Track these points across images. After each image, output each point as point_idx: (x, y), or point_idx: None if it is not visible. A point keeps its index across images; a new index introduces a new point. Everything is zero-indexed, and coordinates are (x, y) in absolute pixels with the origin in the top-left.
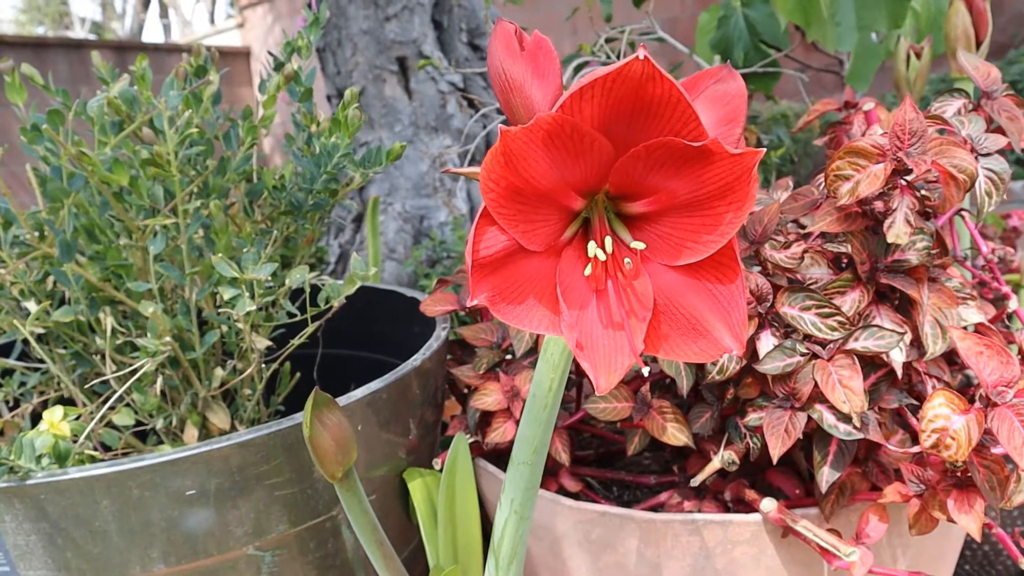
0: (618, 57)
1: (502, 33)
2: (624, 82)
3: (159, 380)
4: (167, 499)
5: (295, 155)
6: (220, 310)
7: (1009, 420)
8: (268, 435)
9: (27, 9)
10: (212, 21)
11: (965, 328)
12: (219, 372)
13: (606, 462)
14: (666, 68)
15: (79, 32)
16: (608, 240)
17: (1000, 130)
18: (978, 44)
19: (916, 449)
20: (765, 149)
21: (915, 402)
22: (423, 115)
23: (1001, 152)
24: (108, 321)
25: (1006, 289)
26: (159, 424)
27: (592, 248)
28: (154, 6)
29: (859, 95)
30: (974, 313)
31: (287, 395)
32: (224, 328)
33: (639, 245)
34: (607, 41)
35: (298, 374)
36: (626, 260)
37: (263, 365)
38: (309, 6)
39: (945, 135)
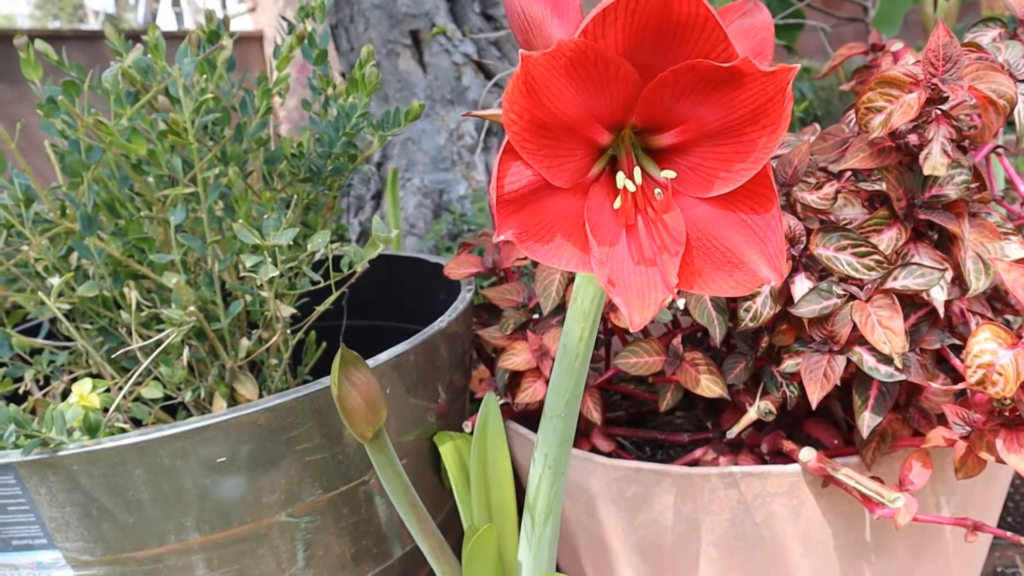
0: None
1: None
2: (648, 2)
3: (186, 352)
4: (199, 467)
5: (312, 120)
6: (244, 279)
7: None
8: (296, 399)
9: (42, 3)
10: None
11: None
12: (245, 342)
13: (638, 422)
14: None
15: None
16: (637, 171)
17: None
18: None
19: (961, 386)
20: (798, 66)
21: (958, 342)
22: (438, 88)
23: None
24: (132, 295)
25: None
26: (187, 397)
27: (621, 179)
28: None
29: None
30: (1017, 248)
31: (314, 366)
32: (248, 298)
33: (669, 174)
34: None
35: (324, 344)
36: (656, 191)
37: (288, 334)
38: None
39: (982, 62)
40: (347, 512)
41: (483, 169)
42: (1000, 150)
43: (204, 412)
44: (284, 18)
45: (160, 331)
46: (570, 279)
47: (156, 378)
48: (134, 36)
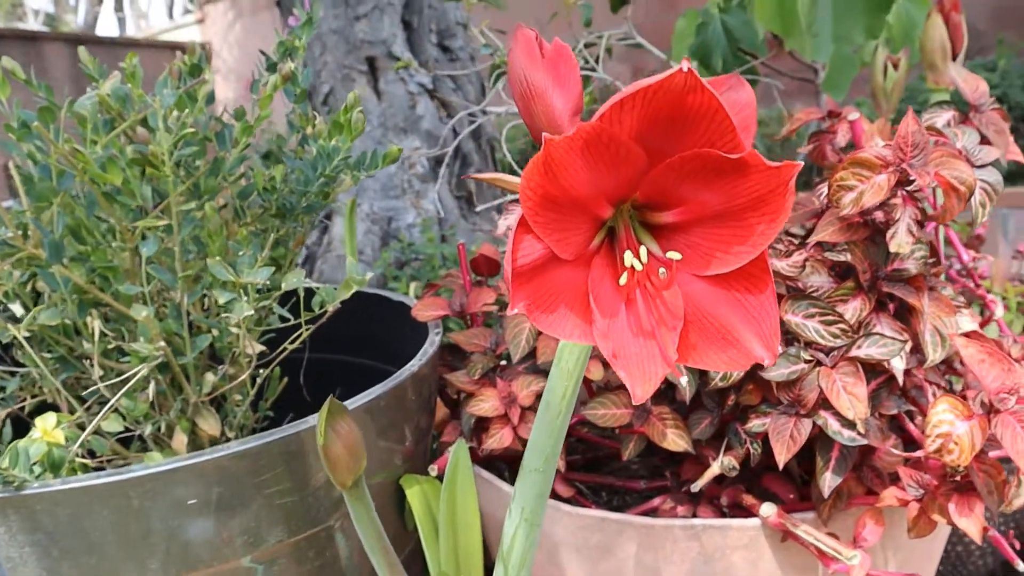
0: (596, 62)
1: (523, 39)
2: (665, 93)
3: (151, 386)
4: (168, 509)
5: (287, 157)
6: (212, 314)
7: (1012, 426)
8: (272, 442)
9: None
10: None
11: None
12: (210, 377)
13: (593, 467)
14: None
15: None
16: (644, 250)
17: (987, 141)
18: (954, 56)
19: (920, 453)
20: (801, 164)
21: (912, 408)
22: (392, 116)
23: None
24: (96, 324)
25: (991, 297)
26: (147, 430)
27: (629, 258)
28: None
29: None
30: (968, 321)
31: (272, 401)
32: (215, 332)
33: (675, 256)
34: (586, 46)
35: (286, 379)
36: (661, 270)
37: (255, 370)
38: (278, 4)
39: (942, 147)
40: (311, 555)
41: (433, 198)
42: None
43: (163, 446)
44: (263, 52)
45: (122, 362)
46: (540, 330)
47: (116, 410)
48: (76, 40)
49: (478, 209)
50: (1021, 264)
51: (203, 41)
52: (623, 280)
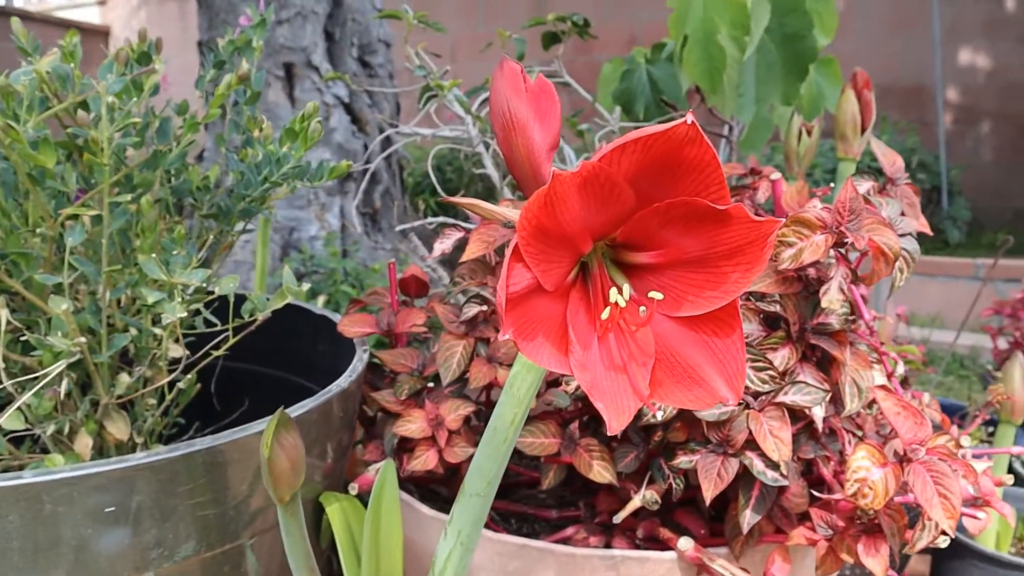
0: None
1: (510, 72)
2: (666, 142)
3: (64, 383)
4: (83, 516)
5: (228, 157)
6: (131, 312)
7: (922, 476)
8: (199, 452)
9: None
10: None
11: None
12: (124, 379)
13: (500, 494)
14: (569, 112)
15: None
16: (627, 286)
17: (903, 213)
18: (863, 130)
19: (838, 496)
20: (783, 220)
21: (826, 453)
22: None
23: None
24: (3, 313)
25: (893, 354)
26: (49, 431)
27: (614, 294)
28: None
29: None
30: (879, 376)
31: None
32: (134, 332)
33: (656, 296)
34: None
35: (199, 386)
36: (641, 309)
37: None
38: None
39: (873, 215)
40: (227, 570)
41: (337, 212)
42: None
43: (63, 448)
44: (210, 47)
45: (29, 356)
46: (472, 354)
47: (18, 407)
48: None
49: (398, 228)
50: (898, 325)
51: (103, 24)
52: (605, 315)
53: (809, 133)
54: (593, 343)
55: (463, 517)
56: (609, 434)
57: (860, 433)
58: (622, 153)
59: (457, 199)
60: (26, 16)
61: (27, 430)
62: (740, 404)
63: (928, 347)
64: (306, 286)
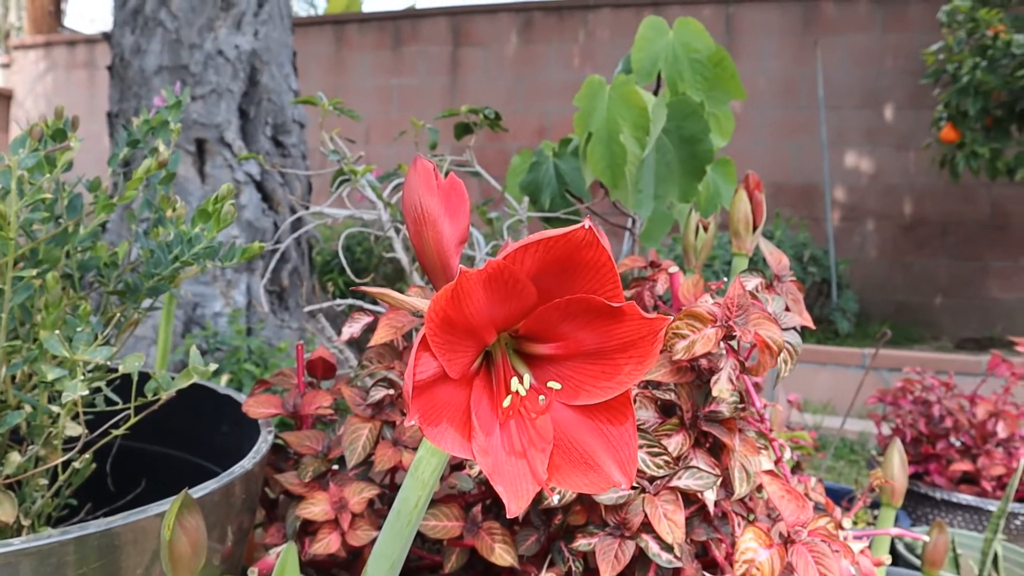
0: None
1: (423, 169)
2: (566, 244)
3: None
4: None
5: (139, 236)
6: (26, 389)
7: (804, 556)
8: (93, 535)
9: None
10: None
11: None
12: (15, 457)
13: None
14: (479, 200)
15: None
16: (528, 376)
17: (788, 308)
18: (755, 227)
19: None
20: (671, 318)
21: (718, 535)
22: None
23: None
24: None
25: (781, 441)
26: None
27: (515, 383)
28: None
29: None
30: (767, 461)
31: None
32: (29, 409)
33: (555, 386)
34: None
35: (94, 465)
36: (540, 398)
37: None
38: (109, 69)
39: (759, 310)
40: None
41: (244, 289)
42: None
43: None
44: (124, 125)
45: None
46: (378, 437)
47: None
48: None
49: (307, 309)
50: (790, 412)
51: (5, 87)
52: (507, 403)
53: (706, 229)
54: (495, 429)
55: None
56: (509, 517)
57: (751, 516)
58: (525, 253)
59: (368, 288)
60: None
61: None
62: (636, 488)
63: (820, 432)
64: (213, 366)
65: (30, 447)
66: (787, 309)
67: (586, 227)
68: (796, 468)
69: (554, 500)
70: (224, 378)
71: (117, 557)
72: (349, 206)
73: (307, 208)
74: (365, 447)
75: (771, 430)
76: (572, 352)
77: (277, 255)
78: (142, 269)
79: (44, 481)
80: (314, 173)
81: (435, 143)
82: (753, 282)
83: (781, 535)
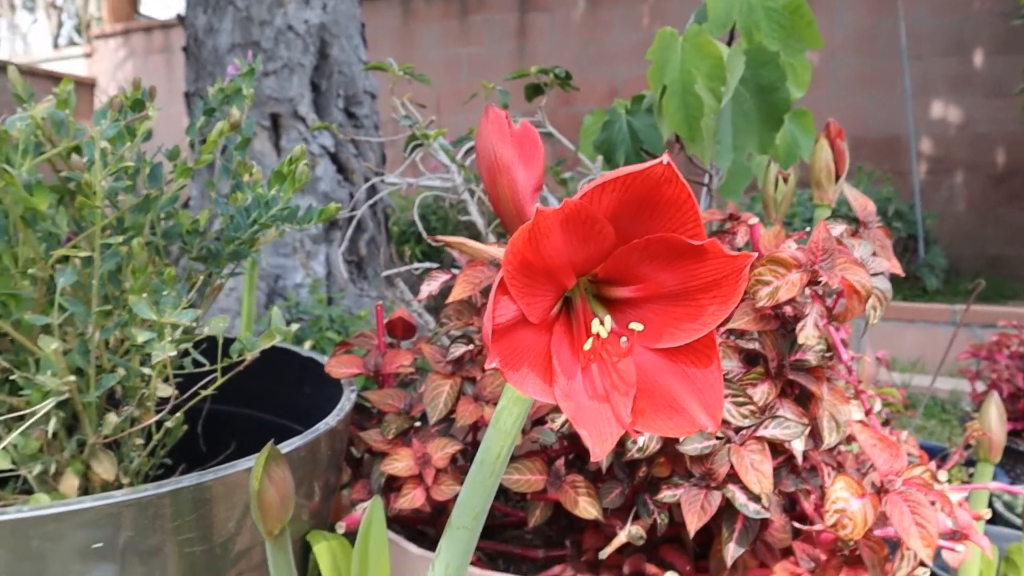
0: None
1: (495, 118)
2: (644, 181)
3: (52, 423)
4: (70, 552)
5: (218, 201)
6: (120, 353)
7: (899, 505)
8: (186, 488)
9: None
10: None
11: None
12: (112, 418)
13: (486, 535)
14: (551, 161)
15: None
16: (608, 318)
17: (875, 254)
18: (837, 177)
19: (818, 527)
20: (756, 254)
21: (807, 487)
22: None
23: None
24: None
25: (871, 392)
26: (35, 471)
27: (596, 325)
28: None
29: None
30: (857, 411)
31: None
32: (123, 372)
33: (637, 326)
34: None
35: (186, 427)
36: (622, 340)
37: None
38: (185, 50)
39: (845, 255)
40: None
41: (323, 260)
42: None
43: (48, 488)
44: (199, 96)
45: (18, 396)
46: (459, 393)
47: (3, 447)
48: None
49: (385, 274)
50: (878, 370)
51: (89, 76)
52: (588, 346)
53: (785, 180)
54: (577, 373)
55: (450, 551)
56: (592, 460)
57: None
58: (602, 191)
59: (445, 238)
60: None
61: (12, 471)
62: (721, 439)
63: (908, 391)
64: (295, 326)
65: (125, 408)
66: (874, 255)
67: (664, 162)
68: (885, 425)
69: (638, 442)
70: (307, 344)
71: (209, 509)
72: (423, 171)
73: (381, 177)
74: (447, 403)
75: (859, 382)
76: (653, 294)
77: (353, 223)
78: (223, 235)
79: (140, 441)
80: (387, 139)
81: (506, 105)
82: (839, 229)
83: (873, 485)
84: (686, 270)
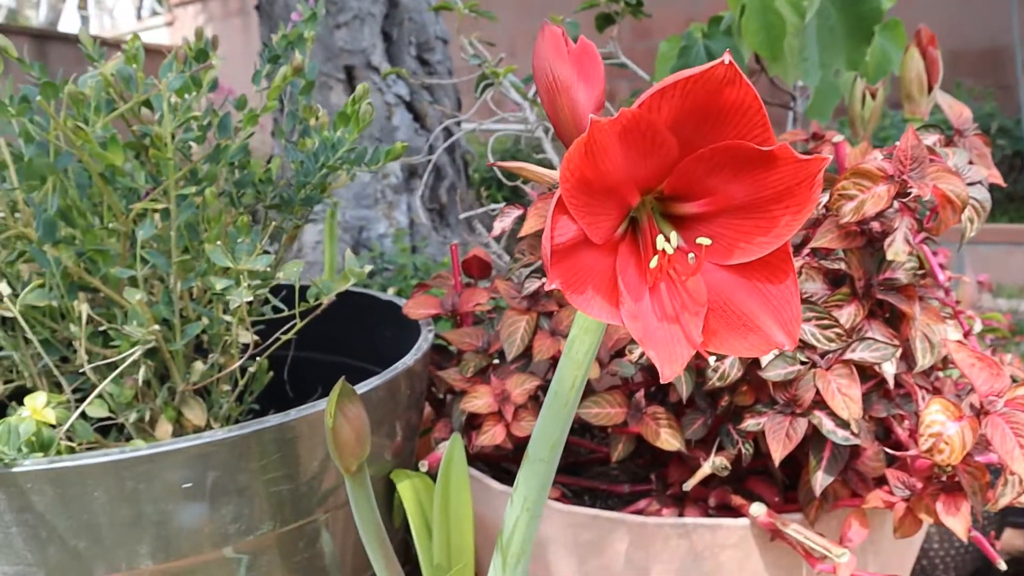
0: None
1: (551, 35)
2: (705, 84)
3: (141, 371)
4: (162, 492)
5: (287, 148)
6: (203, 302)
7: (1001, 427)
8: (270, 428)
9: None
10: (139, 16)
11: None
12: (199, 366)
13: (573, 472)
14: (627, 94)
15: None
16: (674, 235)
17: (972, 163)
18: (930, 88)
19: (912, 453)
20: (830, 158)
21: (900, 412)
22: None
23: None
24: (83, 308)
25: (970, 312)
26: (131, 418)
27: (661, 242)
28: None
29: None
30: (954, 331)
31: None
32: (206, 320)
33: (705, 241)
34: None
35: (271, 373)
36: (689, 256)
37: (245, 361)
38: (258, 8)
39: (937, 163)
40: (302, 546)
41: (405, 209)
42: (926, 242)
43: (145, 435)
44: (266, 44)
45: (109, 347)
46: (535, 329)
47: (101, 396)
48: (40, 36)
49: (463, 216)
50: (981, 295)
51: (172, 44)
52: (654, 263)
53: (873, 96)
54: (645, 295)
55: (528, 483)
56: (662, 382)
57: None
58: (661, 98)
59: (504, 163)
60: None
61: (110, 419)
62: (806, 363)
63: (1016, 318)
64: (368, 267)
65: (211, 356)
66: (971, 163)
67: (726, 62)
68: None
69: (715, 379)
70: (391, 291)
71: (294, 449)
72: (496, 112)
73: (458, 124)
74: (523, 339)
75: (958, 302)
76: (722, 207)
77: (428, 169)
78: (294, 181)
79: (227, 387)
80: (458, 80)
81: (576, 37)
82: (931, 138)
83: (972, 407)
84: (756, 179)
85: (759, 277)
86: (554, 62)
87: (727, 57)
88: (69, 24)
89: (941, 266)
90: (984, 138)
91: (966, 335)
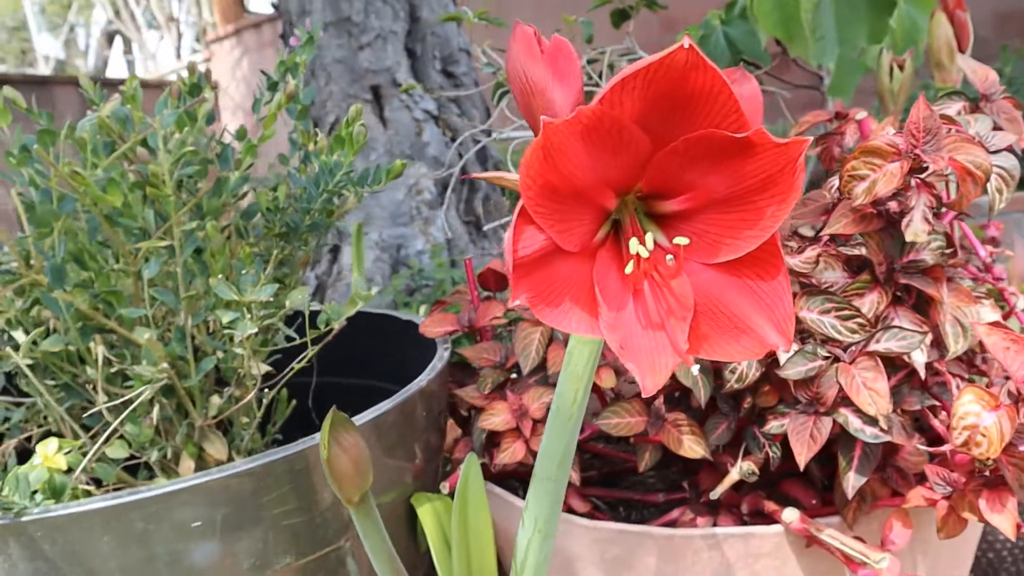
0: (599, 78)
1: (521, 35)
2: (667, 72)
3: (155, 410)
4: (172, 532)
5: (290, 175)
6: (214, 335)
7: None
8: (277, 461)
9: None
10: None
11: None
12: (216, 400)
13: (610, 482)
14: None
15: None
16: (649, 237)
17: (1000, 129)
18: (960, 54)
19: (947, 448)
20: (810, 139)
21: (935, 403)
22: (398, 143)
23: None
24: (99, 350)
25: (1012, 288)
26: (153, 456)
27: (634, 245)
28: (117, 42)
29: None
30: (989, 312)
31: (281, 425)
32: (220, 354)
33: (682, 241)
34: (588, 62)
35: (294, 402)
36: (668, 257)
37: (261, 392)
38: (283, 37)
39: (956, 133)
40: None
41: (441, 225)
42: (961, 216)
43: (169, 472)
44: (265, 73)
45: (127, 388)
46: (549, 340)
47: (121, 436)
48: (95, 82)
49: (486, 228)
50: None
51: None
52: (629, 269)
53: (901, 68)
54: (627, 302)
55: (539, 503)
56: (644, 396)
57: (984, 381)
58: (622, 91)
59: (480, 175)
60: (144, 84)
61: (134, 458)
62: (828, 357)
63: None
64: (375, 289)
65: (227, 389)
66: (997, 128)
67: (686, 45)
68: None
69: (693, 370)
70: (422, 308)
71: (305, 479)
72: (512, 118)
73: (488, 133)
74: (538, 351)
75: (999, 279)
76: (704, 202)
77: (457, 179)
78: (299, 207)
79: (246, 419)
80: (482, 88)
81: (590, 36)
82: (955, 106)
83: (1010, 394)
84: (735, 169)
85: (749, 274)
86: (526, 63)
87: (686, 41)
88: (116, 70)
89: (994, 239)
90: (1013, 100)
91: (1009, 314)
